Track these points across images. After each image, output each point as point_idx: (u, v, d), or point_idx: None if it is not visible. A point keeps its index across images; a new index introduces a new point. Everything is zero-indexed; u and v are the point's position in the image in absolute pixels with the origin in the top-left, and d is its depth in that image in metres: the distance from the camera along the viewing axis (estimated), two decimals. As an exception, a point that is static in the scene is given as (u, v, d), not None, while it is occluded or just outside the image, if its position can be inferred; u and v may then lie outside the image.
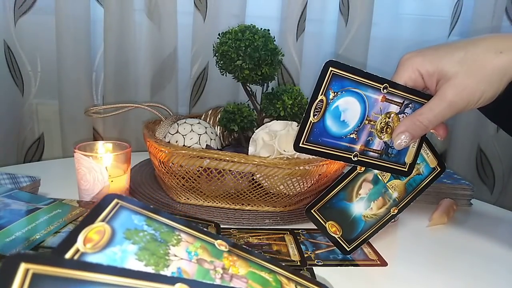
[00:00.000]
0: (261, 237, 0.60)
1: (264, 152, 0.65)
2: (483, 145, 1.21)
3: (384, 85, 0.48)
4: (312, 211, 0.54)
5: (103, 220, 0.32)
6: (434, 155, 0.57)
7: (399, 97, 0.49)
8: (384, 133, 0.50)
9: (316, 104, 0.46)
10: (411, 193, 0.57)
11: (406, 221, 0.69)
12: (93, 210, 0.32)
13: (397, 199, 0.56)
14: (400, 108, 0.50)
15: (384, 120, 0.50)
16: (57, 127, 1.12)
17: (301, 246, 0.58)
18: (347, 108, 0.47)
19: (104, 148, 0.67)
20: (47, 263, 0.25)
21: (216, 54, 0.72)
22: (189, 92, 1.16)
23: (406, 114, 0.50)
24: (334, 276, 0.52)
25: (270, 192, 0.65)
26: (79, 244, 0.29)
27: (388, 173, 0.55)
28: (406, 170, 0.54)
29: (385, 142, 0.51)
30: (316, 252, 0.57)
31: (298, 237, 0.61)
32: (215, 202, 0.68)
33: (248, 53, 0.68)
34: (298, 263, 0.54)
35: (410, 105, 0.50)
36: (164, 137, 0.72)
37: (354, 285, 0.51)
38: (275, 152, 0.64)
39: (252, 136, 0.67)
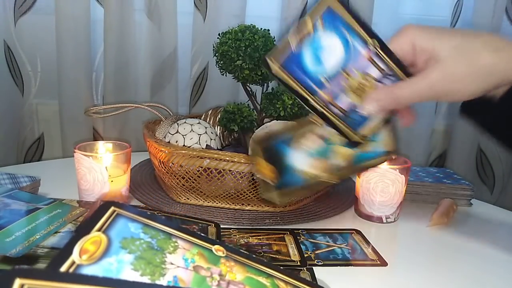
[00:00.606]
0: (261, 237, 0.60)
1: (264, 152, 0.65)
2: (483, 145, 1.21)
3: (373, 40, 0.45)
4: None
5: (99, 230, 0.32)
6: (393, 140, 0.52)
7: (384, 63, 0.46)
8: (354, 94, 0.46)
9: (300, 27, 0.42)
10: (355, 167, 0.52)
11: (406, 221, 0.70)
12: (89, 219, 0.32)
13: (339, 168, 0.51)
14: (380, 75, 0.47)
15: (360, 80, 0.46)
16: (57, 127, 1.12)
17: (301, 246, 0.58)
18: (329, 47, 0.44)
19: (104, 148, 0.67)
20: (42, 278, 0.26)
21: (216, 54, 0.72)
22: (189, 92, 1.16)
23: (384, 84, 0.47)
24: (334, 276, 0.52)
25: (270, 192, 0.65)
26: (74, 256, 0.29)
27: (339, 138, 0.50)
28: (356, 140, 0.49)
29: (351, 103, 0.46)
30: (316, 252, 0.57)
31: (298, 237, 0.61)
32: (215, 202, 0.68)
33: (248, 53, 0.68)
34: (298, 263, 0.54)
35: (391, 77, 0.47)
36: (164, 137, 0.72)
37: (354, 285, 0.51)
38: (275, 152, 0.64)
39: (252, 136, 0.67)
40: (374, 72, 0.46)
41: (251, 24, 0.72)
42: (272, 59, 0.45)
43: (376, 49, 0.46)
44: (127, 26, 1.07)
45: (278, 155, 0.49)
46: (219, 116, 0.81)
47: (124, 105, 0.81)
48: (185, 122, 0.71)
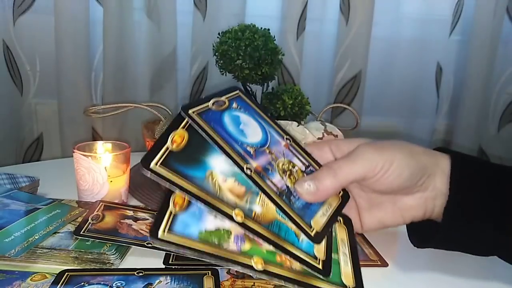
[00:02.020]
0: (261, 237, 0.60)
1: (264, 152, 0.65)
2: (484, 145, 1.20)
3: (286, 134, 0.43)
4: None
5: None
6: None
7: (301, 156, 0.43)
8: (286, 176, 0.40)
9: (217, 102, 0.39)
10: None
11: (407, 221, 0.69)
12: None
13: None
14: (304, 166, 0.42)
15: (287, 166, 0.41)
16: (56, 127, 1.11)
17: (302, 246, 0.58)
18: (248, 124, 0.40)
19: (103, 148, 0.67)
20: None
21: (216, 54, 0.72)
22: (188, 91, 1.16)
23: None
24: (335, 277, 0.51)
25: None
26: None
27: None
28: (312, 236, 0.39)
29: (287, 186, 0.39)
30: (317, 252, 0.57)
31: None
32: (215, 202, 0.67)
33: (248, 53, 0.68)
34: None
35: (312, 169, 0.43)
36: (164, 137, 0.71)
37: (355, 286, 0.51)
38: (275, 152, 0.64)
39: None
40: (299, 163, 0.42)
41: (251, 24, 0.72)
42: (191, 110, 0.38)
43: (291, 141, 0.43)
44: (127, 26, 1.06)
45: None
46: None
47: (123, 105, 0.80)
48: (185, 122, 0.71)
